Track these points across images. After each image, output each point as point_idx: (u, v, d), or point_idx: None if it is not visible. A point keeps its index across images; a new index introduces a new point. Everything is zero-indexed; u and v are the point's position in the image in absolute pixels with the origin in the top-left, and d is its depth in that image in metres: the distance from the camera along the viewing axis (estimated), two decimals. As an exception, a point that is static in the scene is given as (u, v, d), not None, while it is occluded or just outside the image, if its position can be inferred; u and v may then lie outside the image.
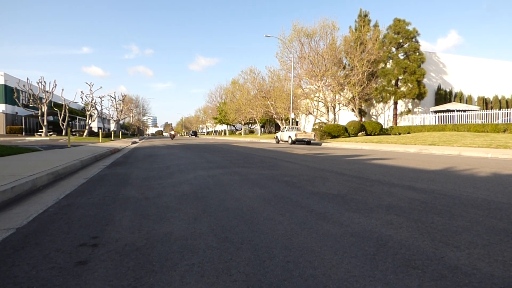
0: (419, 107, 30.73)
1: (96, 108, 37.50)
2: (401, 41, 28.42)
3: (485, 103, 31.20)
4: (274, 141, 25.51)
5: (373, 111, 34.65)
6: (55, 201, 3.39)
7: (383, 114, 33.46)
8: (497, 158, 9.11)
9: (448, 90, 31.07)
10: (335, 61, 30.23)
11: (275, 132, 46.26)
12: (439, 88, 30.98)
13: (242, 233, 2.27)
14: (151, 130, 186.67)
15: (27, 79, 32.64)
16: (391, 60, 29.14)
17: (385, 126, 30.69)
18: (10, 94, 36.24)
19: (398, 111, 30.70)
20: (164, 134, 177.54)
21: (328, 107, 32.26)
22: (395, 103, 30.32)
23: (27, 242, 2.11)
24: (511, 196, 3.50)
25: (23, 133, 36.48)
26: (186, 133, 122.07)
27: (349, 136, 26.17)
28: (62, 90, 34.45)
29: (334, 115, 32.88)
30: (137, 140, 30.31)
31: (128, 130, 75.93)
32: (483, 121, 22.52)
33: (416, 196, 3.52)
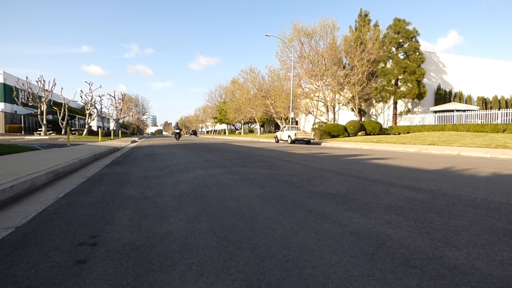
0: (419, 107, 30.74)
1: (95, 107, 37.47)
2: (401, 41, 28.41)
3: (485, 103, 31.22)
4: (273, 140, 25.51)
5: (372, 110, 34.65)
6: (54, 200, 3.39)
7: (382, 114, 33.46)
8: (496, 158, 9.12)
9: (447, 90, 31.09)
10: (335, 61, 30.21)
11: (275, 132, 46.29)
12: (438, 88, 30.98)
13: (241, 232, 2.27)
14: (150, 129, 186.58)
15: (27, 77, 32.59)
16: (391, 60, 29.14)
17: (384, 126, 30.70)
18: (9, 92, 36.18)
19: (398, 111, 30.70)
20: (164, 133, 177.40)
21: (327, 107, 32.26)
22: (395, 103, 30.32)
23: (26, 241, 2.11)
24: (510, 196, 3.51)
25: (22, 132, 36.43)
26: (186, 132, 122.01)
27: (349, 136, 26.17)
28: (62, 89, 34.45)
29: (334, 114, 32.89)
30: (136, 139, 30.30)
31: (127, 129, 75.90)
32: (482, 121, 22.53)
33: (416, 196, 3.52)
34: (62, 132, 33.81)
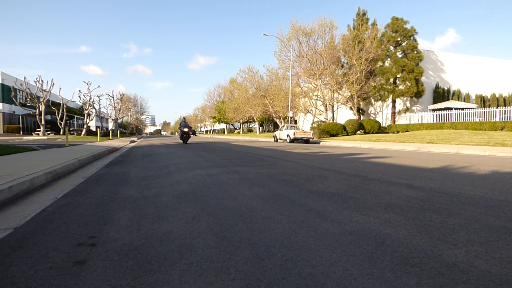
0: (417, 105, 30.79)
1: (94, 107, 37.38)
2: (399, 39, 28.43)
3: (483, 101, 31.30)
4: (272, 140, 25.51)
5: (371, 109, 34.69)
6: (53, 200, 3.38)
7: (381, 112, 33.50)
8: (495, 156, 9.14)
9: (446, 88, 31.15)
10: (334, 60, 30.22)
11: (274, 131, 46.30)
12: (437, 86, 31.04)
13: (240, 232, 2.27)
14: (149, 129, 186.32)
15: (25, 78, 32.51)
16: (389, 59, 29.16)
17: (383, 125, 30.74)
18: (7, 93, 36.06)
19: (396, 110, 30.74)
20: (163, 133, 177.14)
21: (326, 106, 32.27)
22: (393, 102, 30.36)
23: (25, 242, 2.10)
24: (509, 194, 3.52)
25: (21, 132, 36.34)
26: None
27: (348, 135, 26.19)
28: (60, 89, 34.40)
29: (333, 113, 32.90)
30: (135, 139, 30.27)
31: (126, 129, 75.73)
32: (480, 119, 22.59)
33: (414, 194, 3.53)
34: (61, 132, 33.74)
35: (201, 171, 5.79)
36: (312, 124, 27.78)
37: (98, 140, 21.54)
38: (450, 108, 25.66)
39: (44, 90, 31.40)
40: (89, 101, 35.31)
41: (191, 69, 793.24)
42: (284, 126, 23.16)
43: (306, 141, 20.93)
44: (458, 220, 2.52)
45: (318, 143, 19.78)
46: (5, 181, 3.72)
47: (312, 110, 33.87)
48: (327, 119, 31.86)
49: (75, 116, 48.04)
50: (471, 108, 24.66)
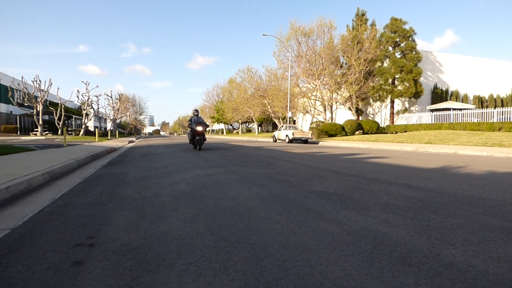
0: (416, 105, 30.86)
1: (92, 107, 37.29)
2: (397, 40, 28.48)
3: (481, 102, 31.40)
4: (271, 140, 25.51)
5: (370, 109, 34.74)
6: (50, 201, 3.37)
7: (380, 113, 33.55)
8: (493, 156, 9.17)
9: (444, 89, 31.23)
10: (332, 60, 30.26)
11: (272, 131, 46.26)
12: (435, 87, 31.12)
13: (239, 232, 2.27)
14: (148, 129, 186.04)
15: (22, 77, 32.34)
16: (388, 59, 29.20)
17: (382, 125, 30.79)
18: (4, 92, 35.90)
19: (395, 110, 30.79)
20: (162, 133, 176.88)
21: (325, 106, 32.31)
22: (392, 102, 30.41)
23: (22, 243, 2.09)
24: (506, 194, 3.53)
25: (18, 132, 36.19)
26: (183, 132, 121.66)
27: (346, 135, 26.21)
28: (58, 89, 34.22)
29: (331, 114, 32.93)
30: (133, 139, 30.23)
31: (124, 129, 75.60)
32: (478, 119, 22.66)
33: (413, 194, 3.54)
34: (59, 133, 33.62)
35: (199, 171, 5.78)
36: (310, 124, 27.79)
37: (96, 140, 21.49)
38: (448, 109, 25.74)
39: (42, 90, 31.30)
40: (88, 101, 35.22)
41: (190, 69, 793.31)
42: (283, 126, 23.17)
43: (305, 141, 20.94)
44: (456, 220, 2.52)
45: (317, 143, 19.79)
46: (3, 181, 3.71)
47: (311, 110, 33.89)
48: (325, 119, 31.89)
49: (73, 116, 47.92)
50: (469, 109, 24.74)
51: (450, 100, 30.35)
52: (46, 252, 1.93)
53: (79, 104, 44.53)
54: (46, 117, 39.62)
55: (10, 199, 3.45)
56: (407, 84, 27.51)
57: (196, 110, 12.18)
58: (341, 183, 4.32)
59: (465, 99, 31.25)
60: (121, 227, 2.41)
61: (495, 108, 25.12)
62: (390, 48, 29.29)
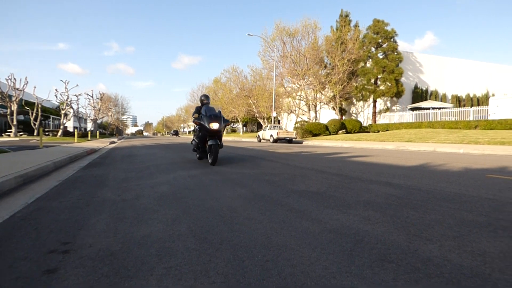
0: (397, 105, 31.63)
1: (71, 107, 36.23)
2: (380, 41, 29.12)
3: (458, 101, 32.55)
4: (256, 140, 25.52)
5: (353, 109, 35.35)
6: (23, 205, 3.23)
7: (362, 112, 34.20)
8: (469, 153, 9.50)
9: (424, 89, 32.17)
10: (317, 60, 30.60)
11: (257, 131, 46.30)
12: (416, 87, 32.00)
13: (221, 234, 2.24)
14: (130, 130, 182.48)
15: (-4, 76, 31.06)
16: (370, 60, 29.82)
17: (364, 124, 31.38)
18: (-23, 93, 34.33)
19: (377, 109, 31.47)
20: (145, 133, 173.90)
21: (309, 106, 32.62)
22: (374, 102, 31.06)
23: (-7, 250, 1.99)
24: (480, 189, 3.65)
25: (-8, 134, 34.69)
26: (167, 132, 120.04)
27: (330, 134, 26.57)
28: (35, 87, 32.99)
29: (316, 113, 33.29)
30: (115, 140, 29.55)
31: (106, 130, 73.83)
32: (456, 118, 23.45)
33: (393, 192, 3.61)
34: (35, 133, 32.45)
35: (182, 172, 5.71)
36: (295, 124, 28.01)
37: (76, 141, 20.89)
38: (428, 108, 26.53)
39: (17, 89, 30.11)
40: (67, 100, 34.18)
41: (175, 68, 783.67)
42: (267, 126, 23.22)
43: (289, 141, 21.07)
44: (434, 216, 2.59)
45: (301, 142, 19.95)
46: (-27, 186, 3.53)
47: (295, 110, 34.13)
48: (310, 119, 32.20)
49: (51, 116, 46.41)
50: (447, 108, 25.59)
51: (429, 99, 31.30)
52: (16, 261, 1.84)
53: (57, 103, 43.14)
54: (21, 117, 38.09)
55: (-19, 204, 3.29)
56: (389, 84, 28.17)
57: (206, 96, 7.47)
58: (324, 182, 4.36)
59: (443, 99, 32.28)
60: (99, 231, 2.33)
61: (471, 107, 26.06)
62: (373, 49, 29.91)
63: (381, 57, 29.22)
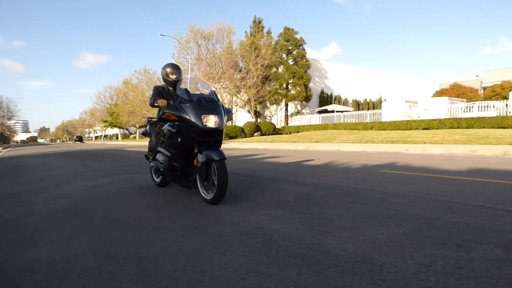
0: (306, 108, 34.40)
1: None
2: (290, 48, 31.20)
3: (358, 105, 37.13)
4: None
5: (267, 112, 37.10)
6: None
7: (276, 115, 36.17)
8: (366, 152, 10.89)
9: (329, 94, 35.73)
10: (232, 64, 31.15)
11: (174, 135, 44.63)
12: (322, 92, 35.32)
13: (126, 247, 2.07)
14: (20, 137, 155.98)
15: None
16: (282, 65, 31.70)
17: (278, 126, 33.18)
18: None
19: (289, 112, 33.69)
20: (40, 140, 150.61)
21: (226, 109, 32.89)
22: (286, 105, 33.17)
23: None
24: (373, 184, 4.21)
25: None
26: (69, 138, 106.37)
27: (246, 137, 27.31)
28: None
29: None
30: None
31: (-14, 137, 61.40)
32: (356, 120, 26.68)
33: (300, 190, 3.88)
34: None
35: (85, 182, 5.12)
36: (213, 127, 27.89)
37: None
38: (332, 111, 29.58)
39: None
40: None
41: (77, 67, 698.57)
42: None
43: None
44: (335, 210, 2.86)
45: (219, 145, 19.96)
46: None
47: (212, 113, 34.00)
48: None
49: None
50: (349, 111, 28.99)
51: (334, 103, 34.91)
52: None
53: None
54: None
55: None
56: (299, 89, 30.43)
57: (175, 67, 4.42)
58: (238, 184, 4.44)
59: (345, 103, 36.41)
60: (-34, 261, 1.91)
61: (368, 110, 30.05)
62: (284, 55, 31.88)
63: (291, 63, 31.37)
